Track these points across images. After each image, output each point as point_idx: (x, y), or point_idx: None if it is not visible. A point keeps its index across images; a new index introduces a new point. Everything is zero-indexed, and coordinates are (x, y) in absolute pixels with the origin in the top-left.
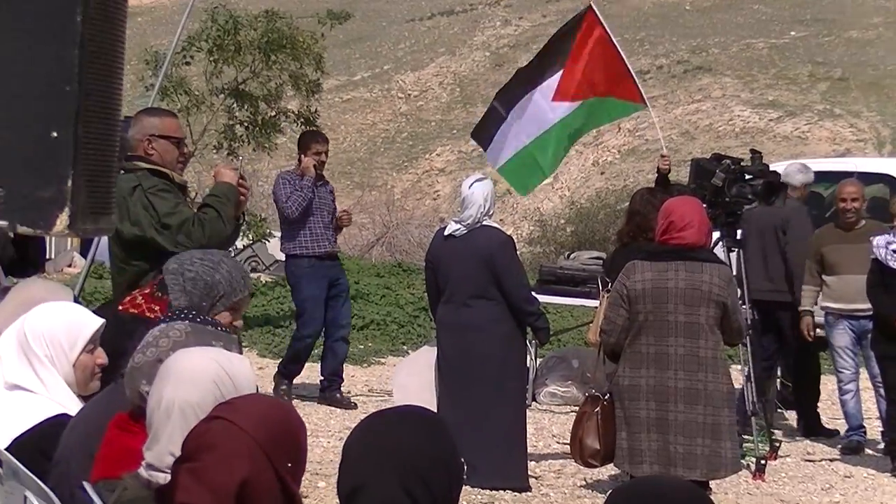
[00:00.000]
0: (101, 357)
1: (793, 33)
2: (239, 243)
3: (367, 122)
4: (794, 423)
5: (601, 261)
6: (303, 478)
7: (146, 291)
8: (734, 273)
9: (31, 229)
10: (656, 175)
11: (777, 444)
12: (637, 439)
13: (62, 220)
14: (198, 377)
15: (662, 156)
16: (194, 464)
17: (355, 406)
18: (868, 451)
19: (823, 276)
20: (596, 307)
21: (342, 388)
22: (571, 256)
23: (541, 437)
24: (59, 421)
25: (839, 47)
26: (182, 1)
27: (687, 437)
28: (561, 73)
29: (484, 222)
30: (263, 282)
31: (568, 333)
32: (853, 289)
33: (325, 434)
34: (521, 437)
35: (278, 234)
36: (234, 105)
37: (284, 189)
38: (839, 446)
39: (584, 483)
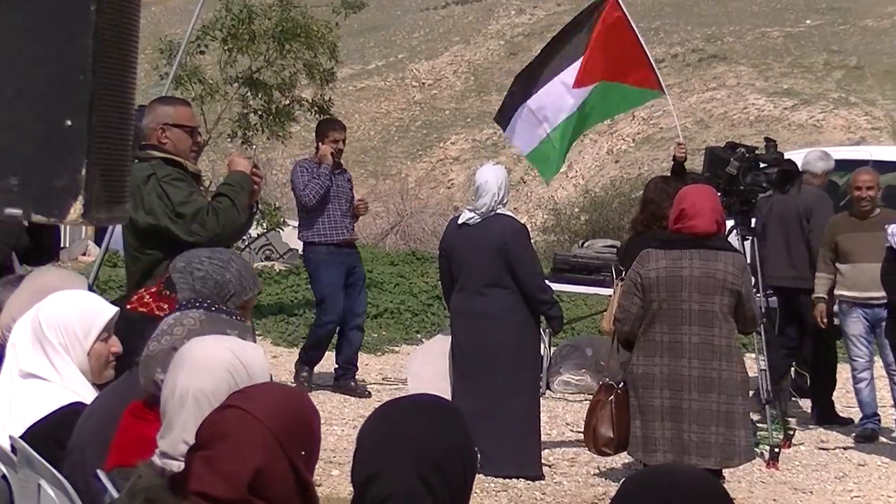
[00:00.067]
0: (116, 345)
1: (808, 22)
2: (253, 232)
3: (382, 110)
4: (809, 412)
5: (615, 249)
6: (317, 466)
7: (153, 290)
8: (748, 261)
9: (45, 218)
10: (672, 163)
11: (791, 433)
12: (651, 427)
13: (76, 209)
14: (212, 365)
15: (679, 144)
16: (208, 452)
17: (369, 394)
18: (882, 439)
19: (837, 265)
20: (610, 296)
21: (356, 377)
22: (585, 245)
23: (554, 426)
24: (74, 409)
25: (854, 36)
26: None
27: (701, 425)
28: (581, 59)
29: (498, 211)
30: (277, 270)
31: (582, 322)
32: (867, 277)
33: (339, 422)
34: (535, 426)
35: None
36: (249, 94)
37: (302, 177)
38: (853, 435)
39: (597, 471)
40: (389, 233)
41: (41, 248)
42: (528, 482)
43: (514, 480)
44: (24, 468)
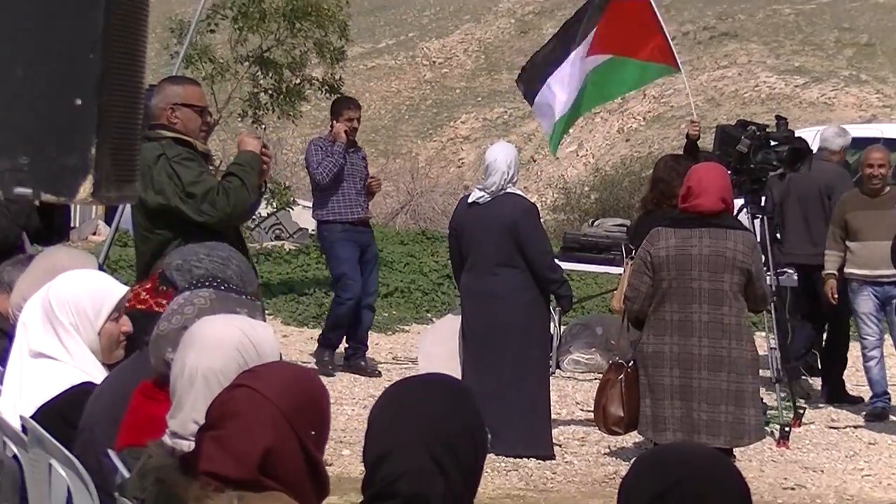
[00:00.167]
0: (126, 325)
1: None
2: (263, 211)
3: (392, 89)
4: (819, 390)
5: (625, 228)
6: (327, 446)
7: (148, 286)
8: (758, 240)
9: (54, 197)
10: (685, 141)
11: (801, 412)
12: (660, 406)
13: (86, 188)
14: (221, 344)
15: (692, 122)
16: (218, 432)
17: (379, 374)
18: (893, 417)
19: (847, 242)
20: (620, 274)
21: (367, 356)
22: (595, 224)
23: (564, 405)
24: (84, 389)
25: (866, 13)
26: None
27: (710, 404)
28: (595, 29)
29: (508, 190)
30: (287, 250)
31: (592, 301)
32: (877, 255)
33: (350, 402)
34: (545, 405)
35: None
36: (259, 73)
37: (316, 155)
38: (863, 413)
39: (607, 450)
40: (400, 212)
41: (52, 227)
42: (539, 461)
43: (525, 460)
44: (34, 448)
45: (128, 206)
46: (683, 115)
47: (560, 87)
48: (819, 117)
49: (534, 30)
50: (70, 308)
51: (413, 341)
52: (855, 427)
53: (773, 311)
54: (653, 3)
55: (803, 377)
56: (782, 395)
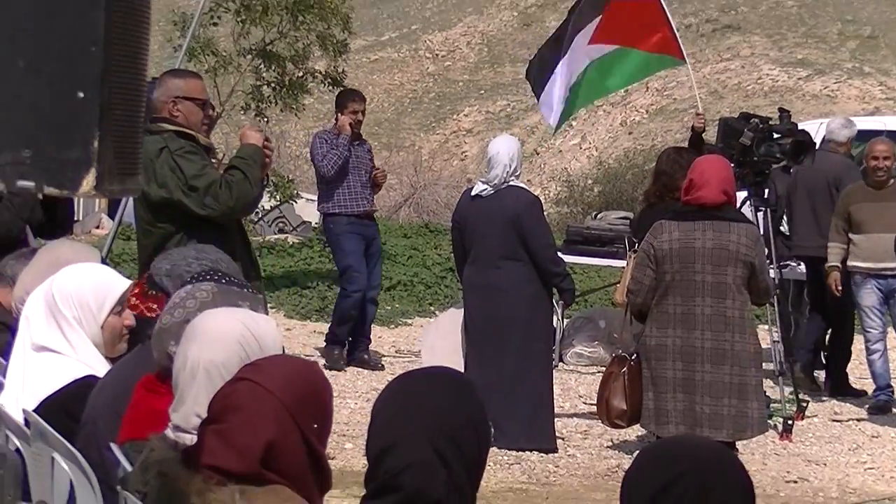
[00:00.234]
0: (129, 318)
1: None
2: (266, 204)
3: (395, 82)
4: (822, 383)
5: (628, 221)
6: (329, 439)
7: (136, 291)
8: (761, 232)
9: (57, 190)
10: (691, 134)
11: (804, 405)
12: (663, 399)
13: (89, 181)
14: (223, 337)
15: (698, 114)
16: (220, 425)
17: (382, 367)
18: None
19: (851, 235)
20: (623, 267)
21: (370, 350)
22: (599, 217)
23: (567, 398)
24: (87, 382)
25: (869, 5)
26: None
27: (713, 397)
28: (600, 17)
29: (511, 182)
30: (290, 243)
31: (595, 294)
32: (881, 248)
33: (353, 395)
34: (548, 399)
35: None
36: (262, 66)
37: (321, 148)
38: (867, 406)
39: (610, 444)
40: (403, 205)
41: (55, 221)
42: (542, 455)
43: (528, 453)
44: (37, 441)
45: (131, 199)
46: (686, 108)
47: (561, 73)
48: (822, 110)
49: (536, 22)
50: (73, 301)
51: (416, 334)
52: (858, 420)
53: (776, 304)
54: None
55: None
56: (785, 388)
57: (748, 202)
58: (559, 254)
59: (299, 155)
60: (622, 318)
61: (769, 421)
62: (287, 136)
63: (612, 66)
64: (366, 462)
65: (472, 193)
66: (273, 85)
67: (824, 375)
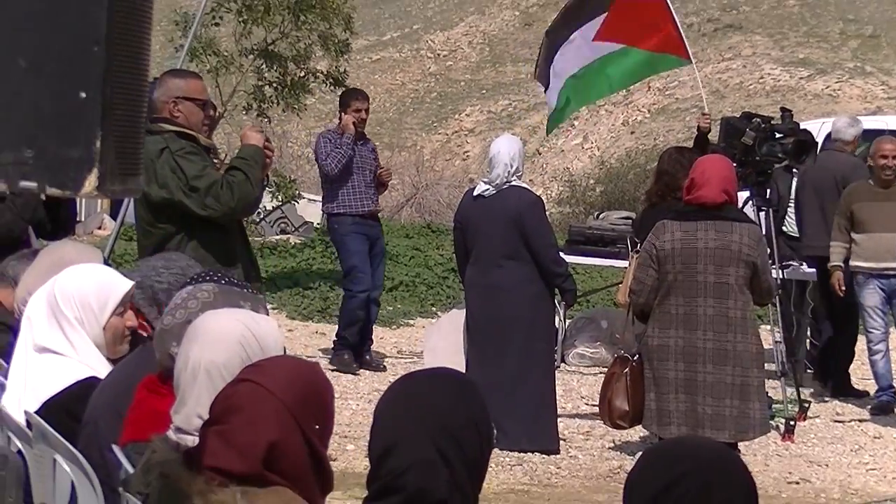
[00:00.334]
0: (131, 320)
1: None
2: (268, 205)
3: (397, 82)
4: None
5: (630, 221)
6: (331, 440)
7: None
8: (763, 232)
9: (59, 191)
10: (696, 133)
11: (806, 405)
12: (665, 400)
13: (91, 182)
14: (224, 338)
15: (703, 114)
16: (222, 426)
17: (384, 368)
18: None
19: (853, 234)
20: (625, 268)
21: (371, 350)
22: (600, 216)
23: (569, 399)
24: (89, 383)
25: (871, 4)
26: None
27: (715, 398)
28: (605, 15)
29: (513, 182)
30: (292, 243)
31: (597, 294)
32: (884, 247)
33: (355, 396)
34: (550, 399)
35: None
36: (264, 66)
37: (325, 147)
38: (869, 407)
39: (612, 445)
40: (405, 205)
41: (57, 221)
42: (544, 456)
43: (529, 454)
44: (39, 443)
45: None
46: (688, 108)
47: (560, 66)
48: (824, 109)
49: (538, 22)
50: (75, 302)
51: (418, 335)
52: (860, 421)
53: (778, 305)
54: None
55: (808, 371)
56: (788, 388)
57: (750, 202)
58: (561, 254)
59: (301, 155)
60: (624, 318)
61: (771, 422)
62: (289, 137)
63: (615, 66)
64: (368, 463)
65: (475, 193)
66: (275, 85)
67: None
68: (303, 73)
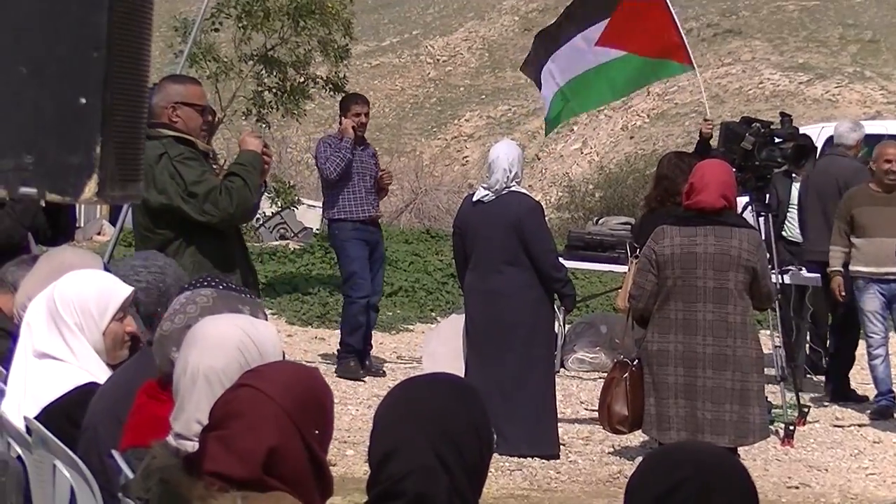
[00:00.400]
0: (131, 325)
1: None
2: (268, 210)
3: (396, 87)
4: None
5: (630, 226)
6: (331, 446)
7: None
8: (763, 237)
9: (59, 197)
10: (698, 139)
11: (806, 410)
12: (665, 405)
13: (91, 188)
14: (222, 343)
15: (705, 120)
16: (222, 432)
17: (384, 374)
18: None
19: (853, 238)
20: (624, 273)
21: (371, 356)
22: (600, 222)
23: (569, 404)
24: (88, 389)
25: (870, 9)
26: None
27: (715, 403)
28: (608, 20)
29: (512, 188)
30: (292, 249)
31: (596, 299)
32: (884, 252)
33: (354, 402)
34: (551, 404)
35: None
36: (263, 71)
37: (325, 152)
38: (868, 412)
39: (612, 450)
40: (404, 210)
41: (57, 227)
42: (543, 461)
43: (529, 459)
44: (38, 449)
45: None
46: (688, 113)
47: (558, 66)
48: (823, 114)
49: (538, 27)
50: (75, 308)
51: (417, 340)
52: (860, 426)
53: (777, 310)
54: (668, 0)
55: (807, 376)
56: (787, 393)
57: (750, 207)
58: (560, 259)
59: (300, 160)
60: (623, 323)
61: (771, 426)
62: (288, 142)
63: (618, 72)
64: (367, 468)
65: (474, 199)
66: (274, 90)
67: (825, 381)
68: (302, 79)
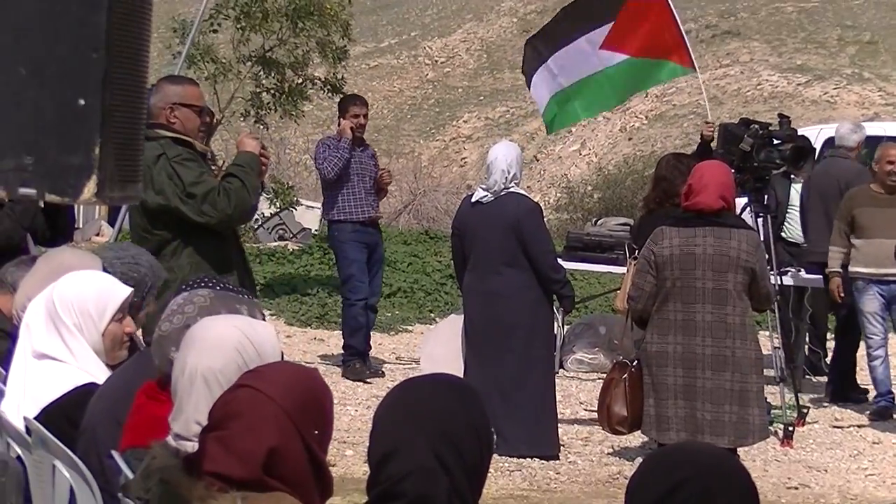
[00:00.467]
0: (130, 326)
1: None
2: (266, 211)
3: (394, 88)
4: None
5: (628, 227)
6: (330, 446)
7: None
8: (762, 238)
9: (59, 197)
10: (699, 141)
11: (805, 411)
12: (664, 406)
13: (90, 188)
14: (221, 344)
15: (706, 122)
16: (221, 432)
17: (383, 374)
18: None
19: (852, 239)
20: (623, 274)
21: (370, 357)
22: (598, 223)
23: (568, 405)
24: (88, 390)
25: (868, 10)
26: None
27: (714, 403)
28: (612, 24)
29: (511, 189)
30: (290, 250)
31: (595, 300)
32: (884, 253)
33: (353, 403)
34: (550, 405)
35: (306, 202)
36: (261, 73)
37: (323, 153)
38: (867, 412)
39: (611, 450)
40: (403, 212)
41: (56, 228)
42: (543, 461)
43: (529, 460)
44: (38, 449)
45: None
46: (686, 114)
47: (559, 65)
48: (822, 115)
49: (536, 29)
50: (74, 309)
51: (416, 341)
52: (859, 426)
53: (776, 311)
54: (670, 2)
55: (807, 376)
56: (786, 393)
57: (748, 208)
58: (559, 260)
59: (299, 162)
60: (623, 324)
61: (770, 427)
62: (286, 143)
63: (624, 76)
64: (367, 469)
65: (473, 200)
66: (272, 92)
67: (825, 381)
68: (300, 80)
